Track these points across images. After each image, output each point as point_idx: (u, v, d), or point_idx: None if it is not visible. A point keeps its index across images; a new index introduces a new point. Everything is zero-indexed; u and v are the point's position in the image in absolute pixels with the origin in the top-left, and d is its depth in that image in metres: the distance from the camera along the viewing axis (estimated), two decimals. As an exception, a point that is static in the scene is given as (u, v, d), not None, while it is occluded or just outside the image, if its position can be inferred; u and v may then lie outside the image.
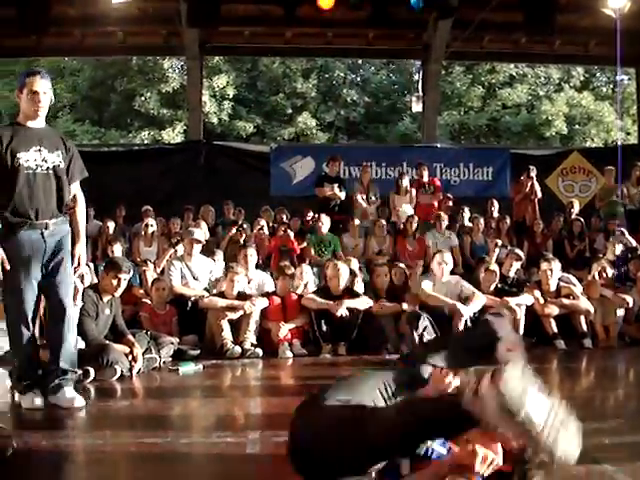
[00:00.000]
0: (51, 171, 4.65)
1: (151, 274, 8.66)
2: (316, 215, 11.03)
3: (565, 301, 8.29)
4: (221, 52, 19.71)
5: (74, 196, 4.91)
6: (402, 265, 8.99)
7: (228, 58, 24.19)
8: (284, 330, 7.65)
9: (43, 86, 4.64)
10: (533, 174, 12.43)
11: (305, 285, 8.63)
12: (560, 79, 26.36)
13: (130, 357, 6.25)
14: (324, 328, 7.72)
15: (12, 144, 4.57)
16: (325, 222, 10.59)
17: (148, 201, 12.02)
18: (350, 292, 8.06)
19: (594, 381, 6.75)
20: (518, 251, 9.39)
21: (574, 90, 26.06)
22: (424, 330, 7.61)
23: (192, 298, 8.18)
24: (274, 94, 25.85)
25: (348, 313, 7.73)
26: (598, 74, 27.30)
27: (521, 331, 7.98)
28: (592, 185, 14.13)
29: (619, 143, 15.52)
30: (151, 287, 8.14)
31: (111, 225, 11.05)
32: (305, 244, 10.57)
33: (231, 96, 24.63)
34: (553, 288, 8.40)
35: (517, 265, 9.08)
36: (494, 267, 8.58)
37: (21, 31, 12.60)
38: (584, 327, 8.22)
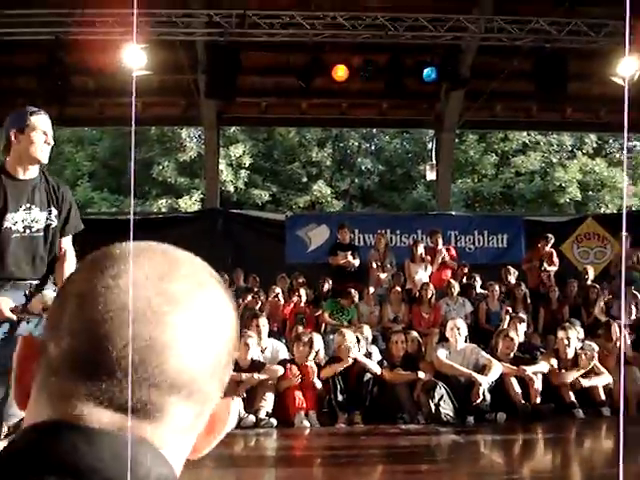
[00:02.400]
0: (41, 232, 4.04)
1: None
2: (332, 283, 11.09)
3: (584, 382, 8.13)
4: (238, 122, 19.98)
5: (64, 251, 4.17)
6: (415, 333, 8.96)
7: (244, 128, 24.58)
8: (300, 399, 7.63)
9: (49, 126, 3.97)
10: (551, 241, 12.36)
11: (316, 353, 8.58)
12: (573, 146, 26.50)
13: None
14: (339, 397, 7.69)
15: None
16: (356, 294, 10.62)
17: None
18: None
19: (610, 451, 6.62)
20: (521, 314, 9.34)
21: (587, 157, 26.19)
22: (440, 399, 7.57)
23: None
24: (290, 163, 26.14)
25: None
26: (611, 140, 27.44)
27: (538, 399, 7.91)
28: (607, 251, 14.09)
29: (624, 209, 15.51)
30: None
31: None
32: (320, 312, 10.56)
33: (247, 165, 24.93)
34: (570, 356, 8.33)
35: (522, 327, 9.01)
36: (512, 335, 8.51)
37: (43, 101, 12.85)
38: (602, 395, 8.13)
